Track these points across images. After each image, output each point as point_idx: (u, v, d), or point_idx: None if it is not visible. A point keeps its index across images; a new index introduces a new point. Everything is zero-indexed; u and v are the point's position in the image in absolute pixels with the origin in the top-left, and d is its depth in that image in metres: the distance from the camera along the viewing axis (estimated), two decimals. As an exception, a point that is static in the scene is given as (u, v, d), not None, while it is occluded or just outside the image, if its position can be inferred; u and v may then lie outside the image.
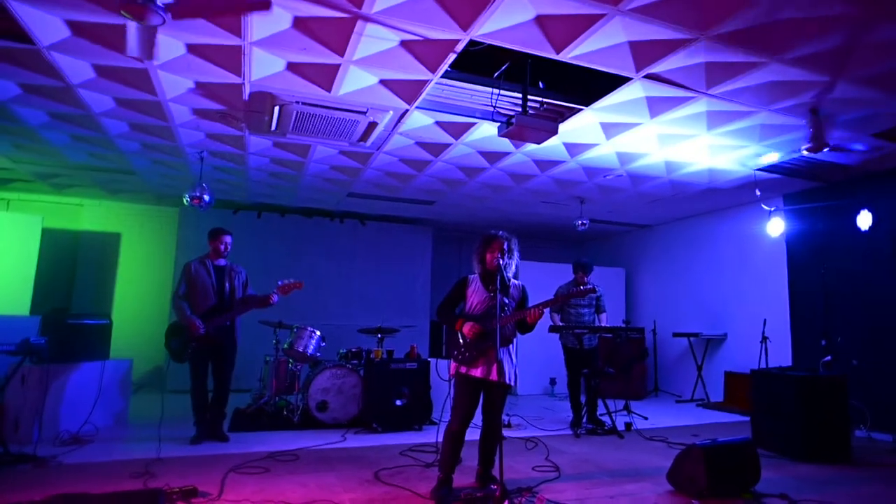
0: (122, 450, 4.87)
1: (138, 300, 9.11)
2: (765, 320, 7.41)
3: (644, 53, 3.96)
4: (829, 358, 5.85)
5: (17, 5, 3.52)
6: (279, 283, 5.40)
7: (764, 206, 7.20)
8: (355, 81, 4.48)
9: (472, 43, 3.85)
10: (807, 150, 4.97)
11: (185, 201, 6.36)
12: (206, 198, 6.29)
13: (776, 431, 5.12)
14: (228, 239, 5.45)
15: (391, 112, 5.05)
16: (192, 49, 4.07)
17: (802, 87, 4.39)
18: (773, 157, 5.97)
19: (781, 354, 7.39)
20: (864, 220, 6.18)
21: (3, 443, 4.42)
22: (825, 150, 4.98)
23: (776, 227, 6.97)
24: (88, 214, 9.08)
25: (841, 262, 6.80)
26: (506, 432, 5.42)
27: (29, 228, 7.82)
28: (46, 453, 4.52)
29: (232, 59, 4.16)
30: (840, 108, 4.76)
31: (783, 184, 7.07)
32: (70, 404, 5.39)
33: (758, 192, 7.07)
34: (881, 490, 4.08)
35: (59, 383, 5.34)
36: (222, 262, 5.45)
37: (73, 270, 8.90)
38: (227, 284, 5.37)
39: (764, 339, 7.30)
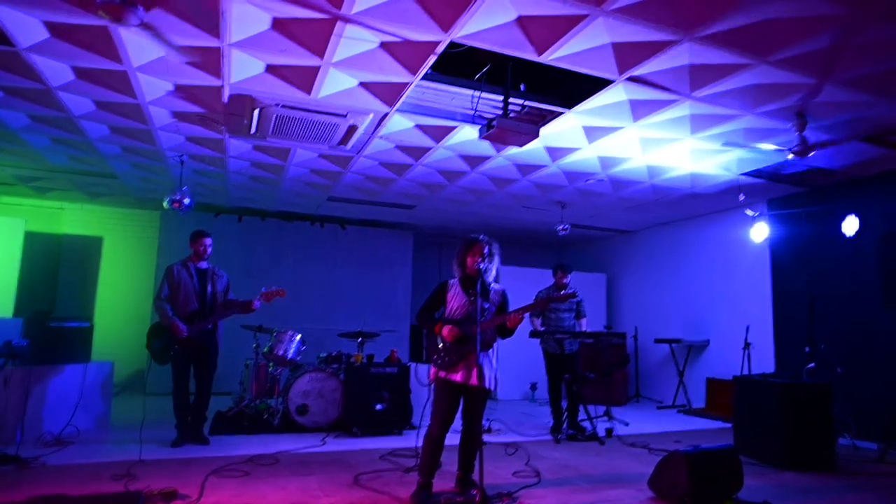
0: (103, 452, 4.90)
1: (120, 303, 9.07)
2: (747, 327, 7.35)
3: (627, 55, 3.94)
4: (812, 365, 5.81)
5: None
6: (263, 289, 5.45)
7: (748, 212, 7.15)
8: (335, 84, 4.46)
9: (452, 45, 3.82)
10: (792, 154, 4.95)
11: (165, 205, 6.33)
12: (187, 201, 6.29)
13: (759, 439, 5.08)
14: (208, 241, 5.45)
15: (371, 115, 5.04)
16: (171, 50, 4.05)
17: (788, 89, 4.37)
18: (762, 149, 5.75)
19: (764, 361, 7.37)
20: (850, 225, 6.11)
21: None
22: (811, 154, 4.95)
23: (760, 232, 6.92)
24: (70, 218, 9.06)
25: (825, 268, 6.76)
26: (486, 437, 5.39)
27: (11, 231, 7.86)
28: (29, 454, 4.55)
29: (211, 60, 4.13)
30: (827, 111, 4.73)
31: (767, 188, 7.09)
32: (52, 406, 5.44)
33: (741, 197, 7.06)
34: (866, 499, 4.04)
35: (42, 385, 5.41)
36: (204, 265, 5.45)
37: (55, 273, 8.87)
38: (209, 288, 5.39)
39: (747, 345, 7.22)
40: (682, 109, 4.82)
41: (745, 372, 7.08)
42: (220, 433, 5.70)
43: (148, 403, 5.93)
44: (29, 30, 3.76)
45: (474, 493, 3.54)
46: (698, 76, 4.21)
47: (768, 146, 5.11)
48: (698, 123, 5.11)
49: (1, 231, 7.78)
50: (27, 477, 4.05)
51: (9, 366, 4.96)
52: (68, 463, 4.47)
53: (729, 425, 6.47)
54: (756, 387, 5.30)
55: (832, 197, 6.81)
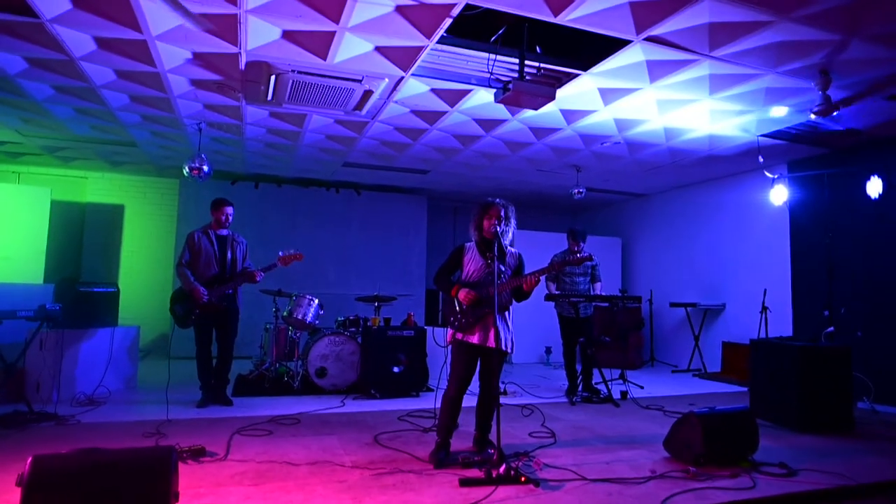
0: (133, 411, 5.10)
1: (143, 269, 9.30)
2: (765, 290, 7.34)
3: (645, 15, 3.87)
4: (831, 329, 5.78)
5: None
6: (280, 253, 5.55)
7: (767, 174, 7.07)
8: (350, 49, 4.44)
9: (468, 7, 3.79)
10: (815, 114, 4.82)
11: (184, 172, 6.41)
12: (205, 168, 6.36)
13: (776, 401, 5.08)
14: (230, 210, 5.52)
15: (386, 80, 5.02)
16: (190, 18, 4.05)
17: (812, 46, 4.24)
18: (781, 111, 5.64)
19: (782, 325, 7.35)
20: (874, 187, 5.94)
21: (28, 403, 4.75)
22: (834, 114, 4.81)
23: (779, 195, 6.82)
24: (93, 186, 9.24)
25: (846, 231, 6.66)
26: (502, 399, 5.48)
27: (39, 200, 8.04)
28: (66, 412, 4.83)
29: (228, 27, 4.14)
30: (852, 69, 4.58)
31: (787, 150, 6.95)
32: (84, 368, 5.67)
33: (761, 159, 6.94)
34: (884, 461, 4.01)
35: (74, 348, 5.62)
36: (224, 231, 5.54)
37: (80, 241, 9.09)
38: (228, 254, 5.48)
39: (764, 309, 7.22)
40: (701, 69, 4.72)
41: (763, 336, 7.06)
42: (242, 395, 5.84)
43: (172, 366, 6.10)
44: (52, 0, 3.81)
45: (491, 452, 3.64)
46: (718, 35, 4.11)
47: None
48: (717, 83, 5.00)
49: (29, 201, 7.97)
50: (65, 433, 4.28)
51: (44, 329, 5.19)
52: (101, 421, 4.69)
53: (745, 389, 6.51)
54: (774, 350, 5.27)
55: (855, 158, 6.64)
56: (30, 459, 2.39)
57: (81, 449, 2.58)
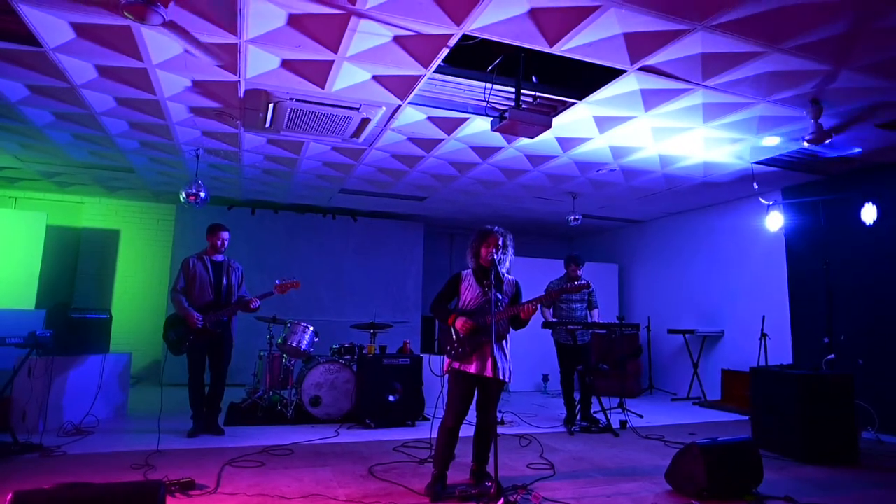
0: (122, 441, 4.99)
1: (136, 295, 9.23)
2: (763, 317, 7.32)
3: (639, 45, 3.92)
4: (832, 356, 5.73)
5: (26, 9, 3.57)
6: (277, 281, 5.53)
7: (762, 200, 7.12)
8: (348, 77, 4.48)
9: (465, 37, 3.83)
10: (807, 142, 4.87)
11: (181, 198, 6.40)
12: (202, 194, 6.36)
13: (778, 431, 5.00)
14: (226, 235, 5.51)
15: (384, 108, 5.05)
16: (190, 47, 4.10)
17: (803, 76, 4.30)
18: (774, 141, 5.74)
19: (781, 352, 7.30)
20: (869, 213, 5.98)
21: (12, 433, 4.59)
22: (826, 141, 4.87)
23: (775, 221, 6.82)
24: (89, 212, 9.23)
25: (843, 257, 6.64)
26: (499, 429, 5.40)
27: (34, 225, 8.04)
28: (51, 443, 4.70)
29: (228, 56, 4.17)
30: (843, 98, 4.65)
31: (782, 177, 7.00)
32: (73, 396, 5.56)
33: (755, 186, 7.00)
34: (892, 496, 3.92)
35: (63, 376, 5.53)
36: (220, 257, 5.53)
37: (74, 266, 9.05)
38: (224, 280, 5.45)
39: (763, 336, 7.19)
40: (695, 98, 4.77)
41: (762, 363, 7.02)
42: (234, 424, 5.75)
43: (165, 393, 6.02)
44: (56, 30, 3.86)
45: (489, 484, 3.56)
46: (711, 65, 4.17)
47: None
48: (711, 112, 5.06)
49: (24, 225, 7.96)
50: (50, 465, 4.15)
51: (33, 356, 5.05)
52: (89, 452, 4.56)
53: (745, 417, 6.43)
54: (775, 378, 5.20)
55: (849, 185, 6.68)
56: (10, 496, 2.30)
57: (64, 484, 2.49)
